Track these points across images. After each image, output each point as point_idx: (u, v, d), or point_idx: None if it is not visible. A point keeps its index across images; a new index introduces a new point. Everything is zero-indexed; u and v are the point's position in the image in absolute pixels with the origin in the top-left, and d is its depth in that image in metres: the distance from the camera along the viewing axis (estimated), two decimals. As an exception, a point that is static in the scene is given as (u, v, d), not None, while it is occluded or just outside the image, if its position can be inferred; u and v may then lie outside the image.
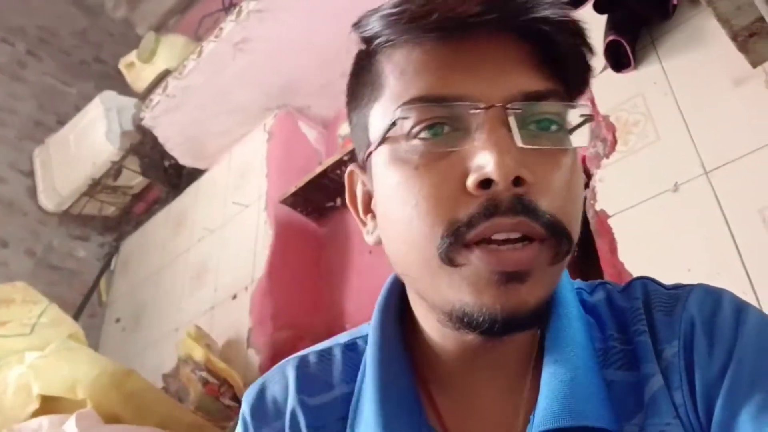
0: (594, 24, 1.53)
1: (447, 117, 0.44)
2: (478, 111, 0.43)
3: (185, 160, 2.81)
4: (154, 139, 2.74)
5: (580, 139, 0.46)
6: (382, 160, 0.47)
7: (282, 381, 0.57)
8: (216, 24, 2.51)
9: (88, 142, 2.84)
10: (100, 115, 2.81)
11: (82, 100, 3.22)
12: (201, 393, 1.83)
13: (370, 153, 0.48)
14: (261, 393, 0.57)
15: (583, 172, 1.56)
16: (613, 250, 1.36)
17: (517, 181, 0.41)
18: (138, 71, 2.87)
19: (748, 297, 1.15)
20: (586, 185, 1.51)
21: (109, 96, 2.91)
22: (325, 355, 0.58)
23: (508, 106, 0.43)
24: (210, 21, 2.91)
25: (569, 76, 0.46)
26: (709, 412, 0.44)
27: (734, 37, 1.18)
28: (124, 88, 2.99)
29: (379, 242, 0.51)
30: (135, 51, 2.90)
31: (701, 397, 0.44)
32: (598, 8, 1.49)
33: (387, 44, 0.46)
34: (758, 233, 1.18)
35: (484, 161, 0.41)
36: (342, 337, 0.60)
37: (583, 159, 1.54)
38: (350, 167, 0.54)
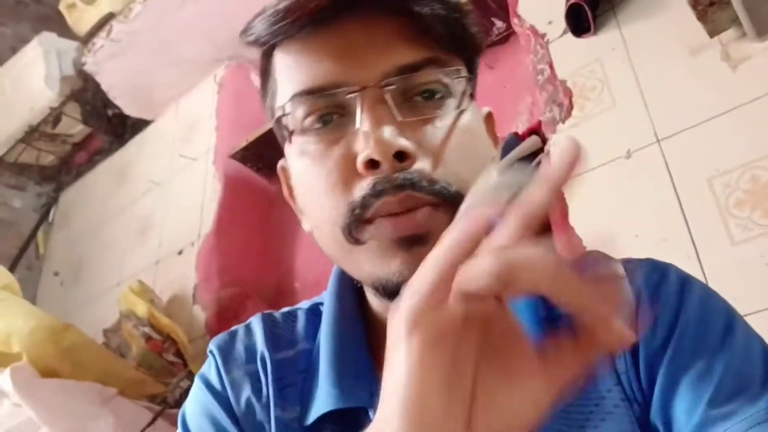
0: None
1: (332, 106, 0.45)
2: (354, 94, 0.44)
3: (130, 109, 2.70)
4: (97, 85, 2.62)
5: (464, 102, 0.47)
6: (292, 154, 0.49)
7: (250, 333, 0.58)
8: (165, -34, 2.39)
9: (24, 87, 2.69)
10: (39, 57, 2.66)
11: (18, 41, 3.03)
12: (143, 348, 1.79)
13: (284, 148, 0.51)
14: (231, 338, 0.58)
15: (539, 136, 1.56)
16: (565, 215, 1.37)
17: (401, 156, 0.42)
18: (80, 13, 2.72)
19: (692, 262, 1.18)
20: (541, 150, 1.51)
21: (49, 38, 2.75)
22: (290, 315, 0.60)
23: (383, 83, 0.44)
24: (158, -37, 2.77)
25: (445, 41, 0.46)
26: (651, 380, 0.45)
27: (694, 5, 1.19)
28: (64, 31, 2.83)
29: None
30: (77, -9, 2.74)
31: (644, 366, 0.45)
32: (562, -30, 1.48)
33: (265, 46, 0.48)
34: (705, 201, 1.20)
35: (364, 143, 0.42)
36: (305, 303, 0.62)
37: (539, 123, 1.54)
38: (280, 163, 0.56)
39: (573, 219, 1.14)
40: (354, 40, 0.45)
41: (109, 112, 2.78)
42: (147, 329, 1.82)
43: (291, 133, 0.47)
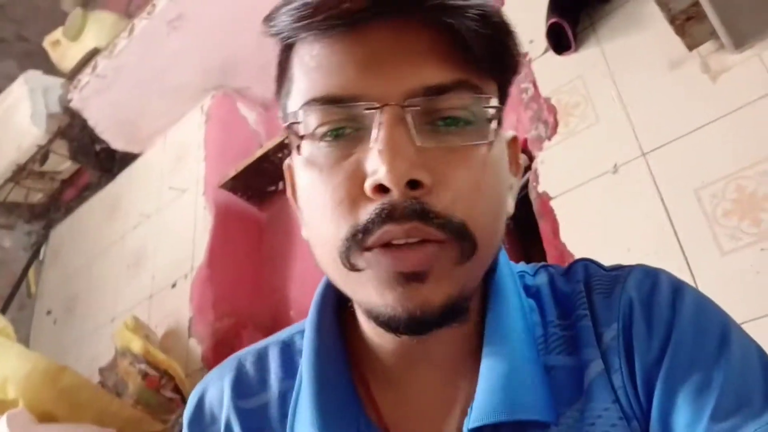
0: (538, 6, 1.54)
1: (347, 119, 0.42)
2: (373, 111, 0.41)
3: (118, 143, 2.70)
4: (84, 121, 2.62)
5: (493, 132, 0.44)
6: (299, 160, 0.46)
7: (218, 385, 0.56)
8: (148, 1, 2.40)
9: (11, 125, 2.69)
10: (24, 95, 2.65)
11: (3, 80, 3.02)
12: (141, 386, 1.77)
13: (293, 150, 0.48)
14: (199, 400, 0.56)
15: (525, 154, 1.57)
16: (555, 231, 1.37)
17: (414, 184, 0.40)
18: (64, 50, 2.73)
19: (684, 274, 1.18)
20: (528, 168, 1.52)
21: (34, 76, 2.75)
22: (263, 353, 0.57)
23: (405, 103, 0.41)
24: (141, -3, 2.79)
25: (481, 63, 0.43)
26: (649, 394, 0.44)
27: (672, 21, 1.20)
28: (49, 68, 2.83)
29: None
30: (61, 28, 2.75)
31: (641, 380, 0.45)
32: (540, -10, 1.50)
33: (289, 40, 0.45)
34: (693, 212, 1.21)
35: (376, 165, 0.40)
36: (281, 334, 0.58)
37: (525, 141, 1.55)
38: (287, 161, 0.53)
39: (563, 234, 1.15)
40: (382, 50, 0.42)
41: (97, 147, 2.77)
42: (143, 366, 1.80)
43: (301, 138, 0.44)
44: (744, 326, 0.46)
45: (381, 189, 0.40)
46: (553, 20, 1.49)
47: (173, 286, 2.18)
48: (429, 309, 0.41)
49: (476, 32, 0.41)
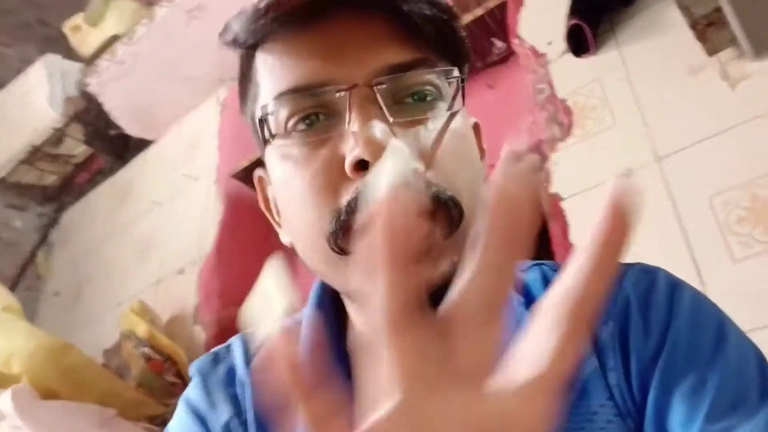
0: (556, 9, 1.54)
1: (318, 105, 0.43)
2: (343, 93, 0.42)
3: (132, 129, 2.72)
4: (100, 106, 2.64)
5: (456, 104, 0.45)
6: (272, 158, 0.46)
7: (230, 353, 0.56)
8: (169, -11, 2.42)
9: (28, 107, 2.71)
10: (43, 79, 2.68)
11: (22, 63, 3.05)
12: (144, 369, 1.78)
13: (263, 154, 0.48)
14: (212, 360, 0.56)
15: (539, 154, 1.57)
16: (565, 232, 1.37)
17: None
18: (84, 35, 2.75)
19: (693, 281, 1.17)
20: (541, 168, 1.52)
21: (53, 59, 2.77)
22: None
23: (373, 82, 0.42)
24: (163, -14, 2.80)
25: (435, 44, 0.45)
26: (645, 392, 0.44)
27: (693, 26, 1.20)
28: (68, 53, 2.86)
29: (292, 244, 0.50)
30: (81, 14, 2.77)
31: (636, 378, 0.44)
32: (561, -9, 1.50)
33: (245, 45, 0.46)
34: (707, 220, 1.20)
35: (353, 143, 0.40)
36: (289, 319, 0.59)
37: (539, 142, 1.54)
38: (257, 172, 0.53)
39: (574, 238, 1.14)
40: (341, 39, 0.43)
41: (112, 133, 2.79)
42: (147, 349, 1.81)
43: (272, 136, 0.45)
44: (755, 334, 0.45)
45: (361, 166, 0.40)
46: (573, 22, 1.48)
47: (181, 272, 2.19)
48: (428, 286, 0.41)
49: (427, 16, 0.44)
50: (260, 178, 0.53)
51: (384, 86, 0.42)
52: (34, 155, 2.76)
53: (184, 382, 1.82)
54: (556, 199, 1.41)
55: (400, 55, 0.43)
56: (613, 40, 1.51)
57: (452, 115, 0.45)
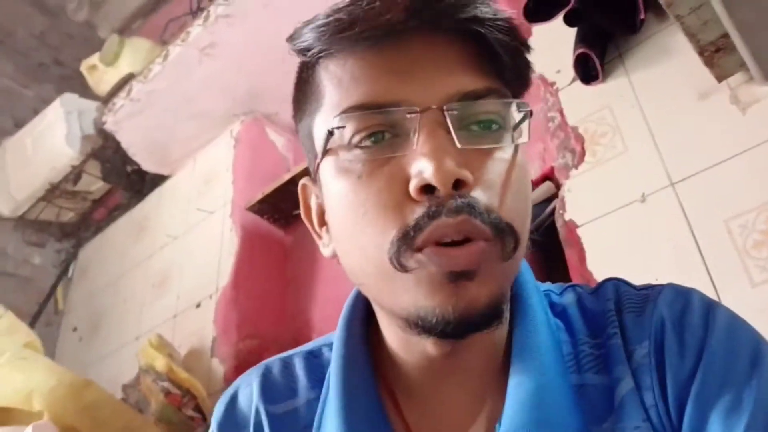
0: (565, 37, 1.56)
1: (385, 124, 0.43)
2: (414, 115, 0.42)
3: (148, 165, 2.76)
4: (117, 143, 2.68)
5: (521, 136, 0.46)
6: (329, 171, 0.46)
7: (247, 390, 0.56)
8: (182, 28, 2.48)
9: (46, 146, 2.76)
10: (60, 117, 2.73)
11: (40, 103, 3.12)
12: (163, 403, 1.78)
13: (318, 165, 0.48)
14: (228, 404, 0.57)
15: (552, 182, 1.58)
16: (582, 259, 1.37)
17: (458, 184, 0.41)
18: (100, 74, 2.81)
19: (713, 306, 1.17)
20: (555, 195, 1.52)
21: (70, 98, 2.83)
22: (289, 362, 0.58)
23: (445, 107, 0.42)
24: (176, 25, 2.86)
25: (507, 73, 0.46)
26: (681, 412, 0.44)
27: (701, 52, 1.21)
28: (84, 92, 2.91)
29: (334, 255, 0.51)
30: (97, 54, 2.84)
31: (673, 398, 0.45)
32: (568, 21, 1.52)
33: (321, 55, 0.46)
34: (723, 243, 1.20)
35: (422, 166, 0.41)
36: (307, 346, 0.60)
37: (552, 170, 1.55)
38: (302, 181, 0.54)
39: (590, 263, 1.15)
40: (418, 59, 0.44)
41: (128, 169, 2.84)
42: (166, 384, 1.81)
43: (335, 147, 0.45)
44: (774, 359, 0.46)
45: (427, 190, 0.41)
46: (580, 51, 1.50)
47: (198, 306, 2.20)
48: (476, 307, 0.42)
49: (504, 44, 0.44)
50: (304, 186, 0.54)
51: (455, 112, 0.43)
52: (53, 192, 2.80)
53: (204, 416, 1.82)
54: (571, 226, 1.41)
55: (474, 82, 0.44)
56: (621, 67, 1.53)
57: (517, 148, 0.46)
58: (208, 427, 1.78)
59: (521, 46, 0.46)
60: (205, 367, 1.99)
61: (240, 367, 1.93)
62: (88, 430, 1.53)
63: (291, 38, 0.47)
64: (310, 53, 0.46)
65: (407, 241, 0.41)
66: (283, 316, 2.17)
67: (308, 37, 0.45)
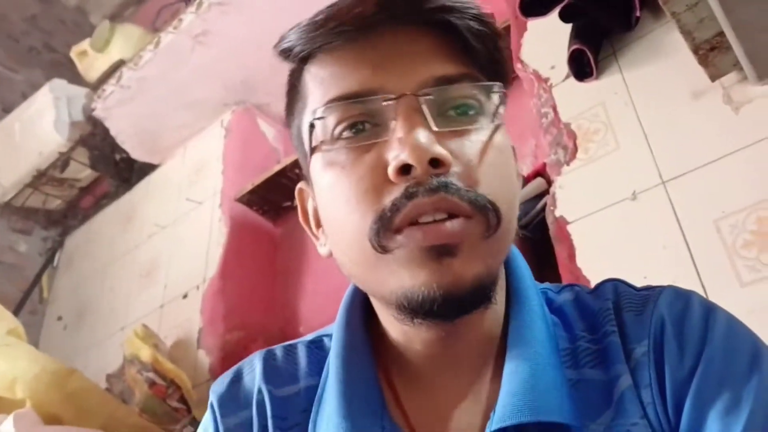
0: (560, 33, 1.56)
1: (365, 113, 0.45)
2: (390, 102, 0.44)
3: (137, 153, 2.73)
4: (106, 131, 2.65)
5: (498, 118, 0.48)
6: (317, 167, 0.48)
7: (251, 371, 0.57)
8: (175, 16, 2.45)
9: (34, 132, 2.73)
10: (49, 103, 2.69)
11: (29, 87, 3.09)
12: (147, 394, 1.76)
13: (309, 164, 0.50)
14: (232, 381, 0.57)
15: (544, 178, 1.57)
16: (572, 256, 1.37)
17: (435, 163, 0.42)
18: (91, 60, 2.77)
19: (702, 305, 1.17)
20: (546, 192, 1.52)
21: (59, 84, 2.79)
22: (292, 349, 0.59)
23: (420, 92, 0.44)
24: (169, 12, 2.84)
25: (480, 59, 0.47)
26: (679, 411, 0.44)
27: (695, 50, 1.20)
28: (74, 78, 2.88)
29: (331, 254, 0.52)
30: (88, 39, 2.80)
31: (671, 397, 0.45)
32: (564, 17, 1.51)
33: (301, 56, 0.48)
34: (713, 243, 1.20)
35: (398, 149, 0.43)
36: (309, 336, 0.61)
37: (544, 166, 1.55)
38: (299, 185, 0.56)
39: (579, 259, 1.14)
40: (391, 51, 0.46)
41: (117, 157, 2.81)
42: (151, 374, 1.80)
43: (321, 143, 0.47)
44: (764, 358, 0.46)
45: (404, 170, 0.42)
46: (575, 47, 1.50)
47: (185, 296, 2.19)
48: (461, 284, 0.43)
49: (474, 31, 0.46)
50: (301, 191, 0.56)
51: (430, 97, 0.44)
52: (39, 179, 2.77)
53: (188, 407, 1.80)
54: (562, 222, 1.41)
55: (446, 68, 0.46)
56: (615, 64, 1.52)
57: (495, 128, 0.47)
58: (193, 418, 1.78)
59: (491, 31, 0.48)
60: (191, 359, 1.97)
61: (226, 358, 1.92)
62: (71, 419, 1.51)
63: (277, 44, 0.50)
64: (292, 54, 0.49)
65: (385, 222, 0.43)
66: (271, 308, 2.16)
67: (290, 39, 0.48)
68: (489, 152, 0.46)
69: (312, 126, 0.47)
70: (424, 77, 0.45)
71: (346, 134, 0.46)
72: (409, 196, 0.42)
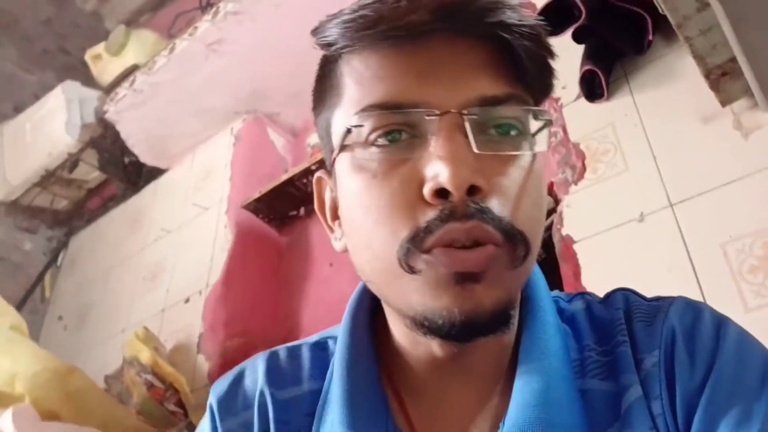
0: (571, 53, 1.57)
1: (404, 123, 0.43)
2: (433, 117, 0.42)
3: (146, 158, 2.75)
4: (116, 134, 2.67)
5: (540, 144, 0.46)
6: (344, 166, 0.46)
7: (253, 373, 0.56)
8: (190, 23, 2.48)
9: (45, 132, 2.74)
10: (61, 104, 2.71)
11: (42, 89, 3.10)
12: (145, 396, 1.76)
13: (334, 159, 0.48)
14: (233, 382, 0.56)
15: (551, 197, 1.58)
16: (577, 275, 1.37)
17: (472, 190, 0.41)
18: (105, 64, 2.80)
19: (706, 328, 1.16)
20: (554, 210, 1.52)
21: (72, 86, 2.82)
22: (295, 351, 0.57)
23: (464, 111, 0.42)
24: (184, 20, 2.87)
25: (529, 79, 0.45)
26: (689, 423, 0.44)
27: (707, 75, 1.21)
28: (87, 82, 2.90)
29: (345, 249, 0.51)
30: (103, 43, 2.83)
31: (681, 408, 0.45)
32: (577, 37, 1.53)
33: (344, 50, 0.46)
34: (719, 267, 1.20)
35: (438, 170, 0.41)
36: (313, 337, 0.59)
37: (552, 184, 1.56)
38: (318, 173, 0.54)
39: (585, 279, 1.14)
40: (440, 61, 0.43)
41: (126, 160, 2.83)
42: (150, 377, 1.79)
43: (353, 143, 0.45)
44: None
45: (441, 194, 0.41)
46: (587, 68, 1.51)
47: (187, 301, 2.19)
48: (482, 312, 0.42)
49: (529, 50, 0.44)
50: (320, 180, 0.54)
51: (474, 117, 0.42)
52: (48, 179, 2.78)
53: (185, 411, 1.80)
54: (568, 241, 1.41)
55: (495, 87, 0.44)
56: (626, 86, 1.54)
57: (535, 156, 0.46)
58: (189, 422, 1.77)
59: (546, 53, 0.46)
60: (191, 363, 1.97)
61: (225, 364, 1.91)
62: (69, 417, 1.51)
63: (315, 32, 0.47)
64: (333, 48, 0.46)
65: (417, 243, 0.41)
66: (274, 316, 2.16)
67: (333, 32, 0.45)
68: (528, 182, 0.44)
69: (349, 130, 0.44)
70: (471, 95, 0.43)
71: (381, 141, 0.43)
72: (444, 219, 0.41)
